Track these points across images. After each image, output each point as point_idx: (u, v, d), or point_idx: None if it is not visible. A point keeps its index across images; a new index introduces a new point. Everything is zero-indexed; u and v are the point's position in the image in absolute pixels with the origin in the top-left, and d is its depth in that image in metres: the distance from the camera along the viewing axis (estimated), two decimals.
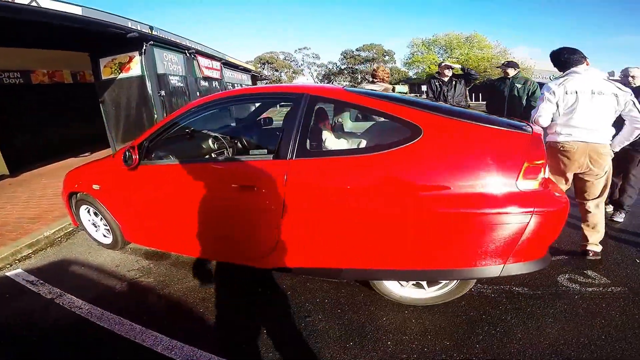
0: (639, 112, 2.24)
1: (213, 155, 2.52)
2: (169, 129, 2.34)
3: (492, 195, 1.56)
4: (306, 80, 57.62)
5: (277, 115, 3.88)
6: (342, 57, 52.01)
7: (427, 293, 2.01)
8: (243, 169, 2.01)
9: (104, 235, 2.98)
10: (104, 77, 6.21)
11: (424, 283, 2.00)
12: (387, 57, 48.78)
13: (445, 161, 1.62)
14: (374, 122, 2.60)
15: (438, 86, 5.08)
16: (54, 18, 4.03)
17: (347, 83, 54.21)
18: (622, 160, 3.03)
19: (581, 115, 2.24)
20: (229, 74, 12.38)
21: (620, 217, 3.16)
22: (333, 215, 1.79)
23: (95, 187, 2.68)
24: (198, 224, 2.21)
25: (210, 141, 2.53)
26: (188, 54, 7.86)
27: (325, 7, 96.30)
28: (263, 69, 48.57)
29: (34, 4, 3.76)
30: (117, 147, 6.63)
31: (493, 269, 1.65)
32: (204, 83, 9.17)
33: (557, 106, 2.29)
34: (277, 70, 51.63)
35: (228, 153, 2.57)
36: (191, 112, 2.30)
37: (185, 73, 7.71)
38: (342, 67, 52.97)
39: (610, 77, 2.53)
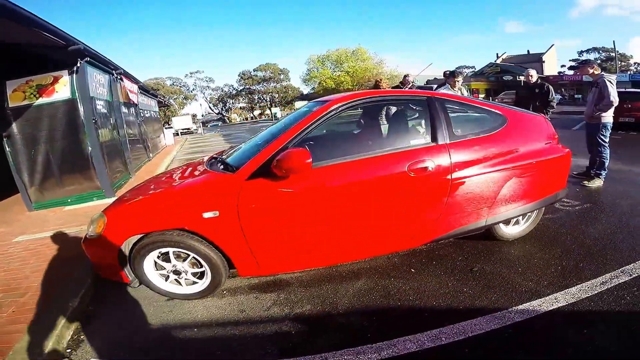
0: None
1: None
2: (309, 131, 2.20)
3: (545, 150, 2.59)
4: (200, 105, 55.07)
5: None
6: (239, 78, 51.73)
7: (522, 226, 2.85)
8: (416, 154, 2.23)
9: (192, 283, 2.31)
10: (11, 104, 4.76)
11: (521, 218, 2.79)
12: (282, 76, 50.61)
13: (521, 135, 2.57)
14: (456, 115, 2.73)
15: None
16: None
17: (245, 104, 53.88)
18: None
19: None
20: (141, 99, 10.96)
21: (594, 183, 4.20)
22: (479, 179, 2.34)
23: (208, 215, 2.01)
24: (368, 221, 2.24)
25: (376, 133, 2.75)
26: (115, 74, 6.73)
27: (219, 30, 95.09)
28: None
29: None
30: (33, 195, 5.17)
31: (559, 194, 2.71)
32: (124, 109, 7.91)
33: None
34: (164, 97, 47.70)
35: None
36: (337, 109, 2.26)
37: (109, 97, 6.55)
38: (240, 88, 52.57)
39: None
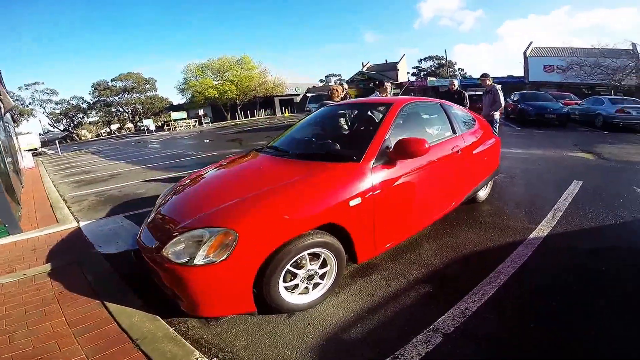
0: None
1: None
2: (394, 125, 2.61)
3: (492, 137, 3.85)
4: (40, 121, 43.68)
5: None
6: (93, 89, 43.31)
7: (486, 191, 3.99)
8: (454, 142, 3.10)
9: (317, 287, 2.13)
10: None
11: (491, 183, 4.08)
12: (147, 86, 45.18)
13: (484, 128, 3.76)
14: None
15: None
16: None
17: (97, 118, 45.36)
18: None
19: None
20: None
21: None
22: (477, 157, 3.44)
23: (354, 202, 2.04)
24: (439, 189, 2.91)
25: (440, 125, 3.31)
26: None
27: (66, 34, 75.85)
28: None
29: None
30: None
31: (499, 169, 4.10)
32: None
33: None
34: None
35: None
36: (403, 108, 2.80)
37: None
38: (93, 100, 44.07)
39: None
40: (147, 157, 11.26)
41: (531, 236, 3.01)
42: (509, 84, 25.58)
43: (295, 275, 2.01)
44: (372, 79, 35.51)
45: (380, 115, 2.80)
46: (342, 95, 6.82)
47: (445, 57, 43.69)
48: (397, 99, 2.99)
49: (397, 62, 41.90)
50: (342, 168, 2.23)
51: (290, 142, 3.19)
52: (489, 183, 3.99)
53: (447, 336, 1.78)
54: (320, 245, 1.99)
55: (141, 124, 36.67)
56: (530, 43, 30.28)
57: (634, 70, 21.94)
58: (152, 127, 31.33)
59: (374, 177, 2.24)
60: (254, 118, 35.55)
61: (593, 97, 13.72)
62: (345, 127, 3.36)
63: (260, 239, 1.80)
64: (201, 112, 33.92)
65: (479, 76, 6.68)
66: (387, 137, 2.45)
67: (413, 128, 2.95)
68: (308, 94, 24.28)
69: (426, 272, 2.48)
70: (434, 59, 52.71)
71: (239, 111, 36.08)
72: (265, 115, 38.45)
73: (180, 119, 33.93)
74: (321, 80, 53.07)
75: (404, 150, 2.29)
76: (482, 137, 3.63)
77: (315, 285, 2.13)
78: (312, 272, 2.08)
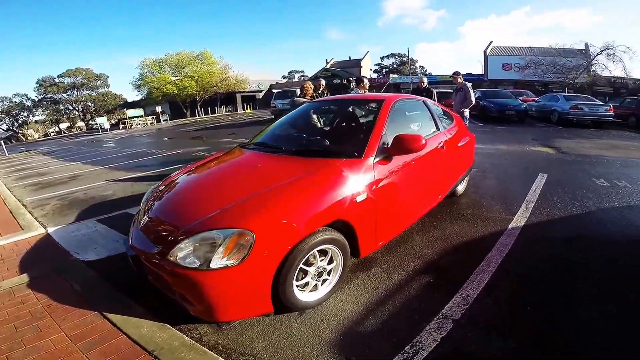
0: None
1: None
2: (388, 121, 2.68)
3: (468, 134, 4.05)
4: None
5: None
6: (39, 85, 39.55)
7: (463, 185, 4.20)
8: (439, 138, 3.26)
9: (321, 285, 2.14)
10: None
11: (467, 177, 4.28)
12: (99, 82, 42.13)
13: (460, 125, 3.97)
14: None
15: (316, 96, 6.65)
16: None
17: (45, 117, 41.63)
18: None
19: None
20: None
21: None
22: (458, 151, 3.67)
23: (360, 198, 2.09)
24: (426, 187, 3.05)
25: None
26: None
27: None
28: None
29: None
30: None
31: (473, 165, 4.34)
32: None
33: None
34: None
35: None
36: (393, 105, 2.88)
37: None
38: (39, 97, 40.33)
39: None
40: (106, 157, 10.58)
41: (510, 226, 3.24)
42: (469, 81, 26.87)
43: (305, 273, 2.02)
44: (336, 76, 35.75)
45: (373, 112, 2.87)
46: (320, 92, 6.89)
47: (407, 54, 44.89)
48: (387, 96, 3.07)
49: (360, 59, 42.62)
50: (346, 164, 2.24)
51: (280, 138, 3.16)
52: (466, 177, 4.23)
53: (456, 322, 1.89)
54: (329, 241, 2.01)
55: (93, 123, 34.33)
56: (491, 42, 32.00)
57: (586, 69, 23.83)
58: (107, 126, 29.22)
59: (375, 172, 2.31)
60: (214, 115, 34.51)
61: (549, 95, 14.90)
62: (336, 123, 3.39)
63: (277, 238, 1.77)
64: (159, 109, 32.31)
65: (451, 73, 7.02)
66: (384, 133, 2.53)
67: (402, 124, 3.01)
68: (274, 90, 23.99)
69: (422, 264, 2.61)
70: (396, 57, 53.38)
71: (198, 108, 34.84)
72: (226, 111, 37.45)
73: (137, 117, 32.09)
74: (284, 77, 52.68)
75: (402, 146, 2.37)
76: (460, 134, 3.84)
77: (323, 281, 2.16)
78: (321, 269, 2.10)
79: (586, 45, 24.98)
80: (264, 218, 1.79)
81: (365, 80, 5.95)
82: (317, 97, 6.58)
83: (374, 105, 3.00)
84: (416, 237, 3.06)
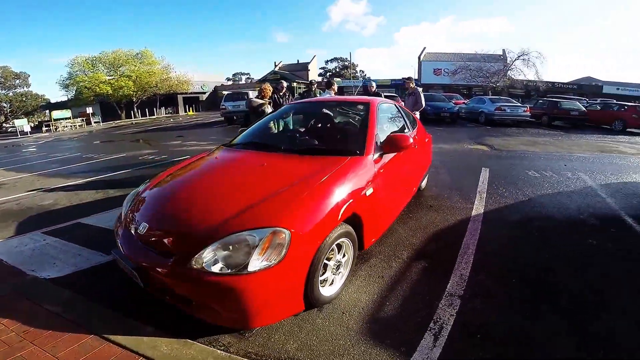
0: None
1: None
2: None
3: (427, 135, 4.38)
4: None
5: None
6: None
7: (425, 181, 4.51)
8: (411, 137, 3.32)
9: (338, 279, 2.19)
10: None
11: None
12: (18, 81, 35.96)
13: (421, 127, 4.26)
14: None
15: (278, 98, 6.69)
16: None
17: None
18: None
19: None
20: None
21: None
22: (422, 150, 3.94)
23: (369, 192, 2.19)
24: (406, 182, 3.27)
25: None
26: None
27: None
28: None
29: None
30: None
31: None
32: None
33: None
34: None
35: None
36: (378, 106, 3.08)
37: None
38: None
39: None
40: (33, 163, 9.17)
41: (473, 213, 3.67)
42: (403, 85, 28.85)
43: (325, 268, 2.04)
44: (285, 78, 35.90)
45: (362, 113, 3.04)
46: (282, 94, 6.89)
47: (350, 59, 46.87)
48: (371, 99, 3.27)
49: (308, 63, 43.67)
50: (353, 161, 2.34)
51: (273, 138, 3.15)
52: (427, 173, 4.63)
53: (462, 298, 2.13)
54: (345, 235, 2.06)
55: (9, 125, 29.44)
56: (424, 48, 34.91)
57: (505, 74, 26.82)
58: (27, 128, 25.07)
59: (375, 168, 2.47)
60: (153, 117, 32.11)
61: (477, 97, 16.81)
62: (328, 123, 3.45)
63: (309, 234, 1.76)
64: (89, 110, 28.98)
65: (403, 78, 7.56)
66: (376, 133, 2.69)
67: (385, 124, 3.22)
68: (224, 92, 23.25)
69: (413, 251, 2.83)
70: (339, 61, 55.31)
71: (135, 109, 32.05)
72: (166, 113, 35.22)
73: (64, 119, 28.29)
74: (228, 79, 51.25)
75: (395, 144, 2.58)
76: (422, 133, 4.22)
77: (338, 275, 2.21)
78: (339, 263, 2.16)
79: (503, 50, 28.41)
80: (295, 215, 1.77)
81: (334, 84, 6.23)
82: (279, 99, 6.61)
83: (361, 107, 3.17)
84: (399, 229, 3.29)
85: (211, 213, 1.87)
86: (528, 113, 13.53)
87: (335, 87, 6.37)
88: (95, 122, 28.98)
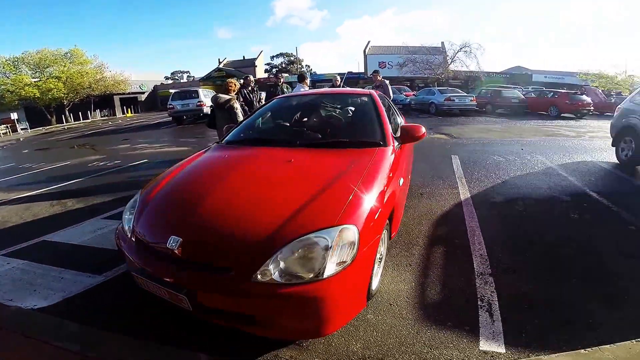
0: None
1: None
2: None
3: None
4: None
5: None
6: None
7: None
8: None
9: (377, 273, 2.12)
10: None
11: None
12: None
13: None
14: None
15: (247, 94, 6.49)
16: None
17: None
18: None
19: None
20: None
21: None
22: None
23: (401, 182, 2.29)
24: (406, 169, 3.20)
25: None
26: None
27: None
28: None
29: None
30: None
31: None
32: None
33: None
34: None
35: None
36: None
37: None
38: None
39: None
40: None
41: (463, 198, 3.94)
42: (349, 79, 29.27)
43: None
44: (230, 75, 34.62)
45: (367, 104, 3.07)
46: (250, 89, 6.63)
47: (296, 54, 46.54)
48: (370, 91, 3.33)
49: (255, 59, 42.55)
50: (382, 152, 2.35)
51: (283, 132, 3.04)
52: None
53: (493, 275, 2.31)
54: (385, 227, 2.07)
55: None
56: (369, 42, 35.58)
57: (448, 65, 27.82)
58: None
59: (394, 158, 2.50)
60: (88, 120, 28.89)
61: (426, 89, 17.80)
62: (336, 115, 3.40)
63: (372, 228, 1.71)
64: (14, 115, 25.15)
65: (371, 71, 7.72)
66: (390, 126, 2.74)
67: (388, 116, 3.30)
68: (171, 90, 21.68)
69: (426, 237, 2.96)
70: (285, 56, 54.33)
71: (67, 113, 28.60)
72: (102, 116, 31.99)
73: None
74: (167, 77, 48.10)
75: (411, 135, 2.67)
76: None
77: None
78: (382, 254, 2.16)
79: (442, 43, 29.89)
80: (355, 210, 1.69)
81: (308, 77, 6.16)
82: (249, 95, 6.37)
83: (365, 99, 3.19)
84: (403, 218, 3.39)
85: (261, 217, 1.68)
86: (474, 102, 14.74)
87: (308, 80, 6.33)
88: (22, 129, 25.30)
